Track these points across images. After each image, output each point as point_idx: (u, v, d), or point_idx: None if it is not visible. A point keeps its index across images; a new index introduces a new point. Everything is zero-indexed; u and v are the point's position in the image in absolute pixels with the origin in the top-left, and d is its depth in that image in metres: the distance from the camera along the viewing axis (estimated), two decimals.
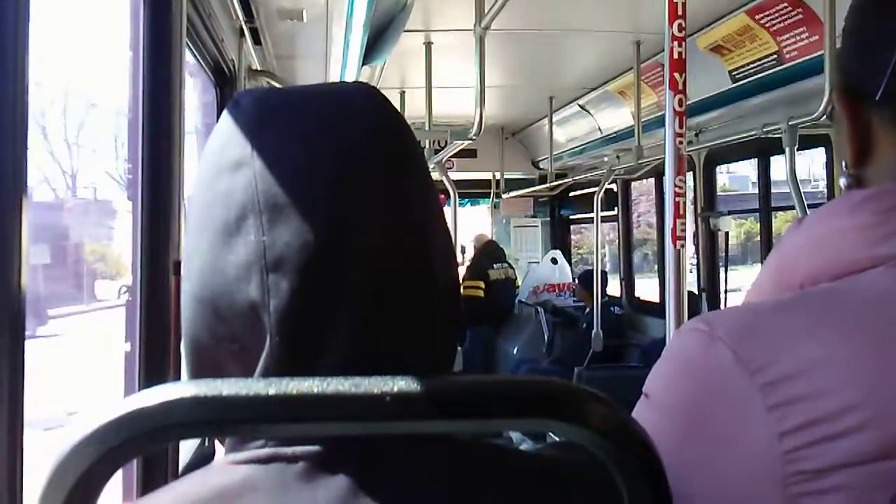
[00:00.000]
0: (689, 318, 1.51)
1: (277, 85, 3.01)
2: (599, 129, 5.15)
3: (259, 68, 2.90)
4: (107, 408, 0.35)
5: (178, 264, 1.39)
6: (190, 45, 1.94)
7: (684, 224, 1.31)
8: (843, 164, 0.62)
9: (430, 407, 0.36)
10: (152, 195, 1.41)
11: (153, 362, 1.33)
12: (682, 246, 1.31)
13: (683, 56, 1.29)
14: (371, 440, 0.48)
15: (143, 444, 0.35)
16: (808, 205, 2.70)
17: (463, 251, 6.68)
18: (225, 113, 0.54)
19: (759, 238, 4.03)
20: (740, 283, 4.36)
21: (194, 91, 2.46)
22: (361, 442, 0.48)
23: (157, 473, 1.29)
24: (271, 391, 0.34)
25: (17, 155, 0.81)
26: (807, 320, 0.53)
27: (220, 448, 0.60)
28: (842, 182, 0.62)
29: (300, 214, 0.49)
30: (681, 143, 1.28)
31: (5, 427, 0.79)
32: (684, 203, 1.30)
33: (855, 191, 0.59)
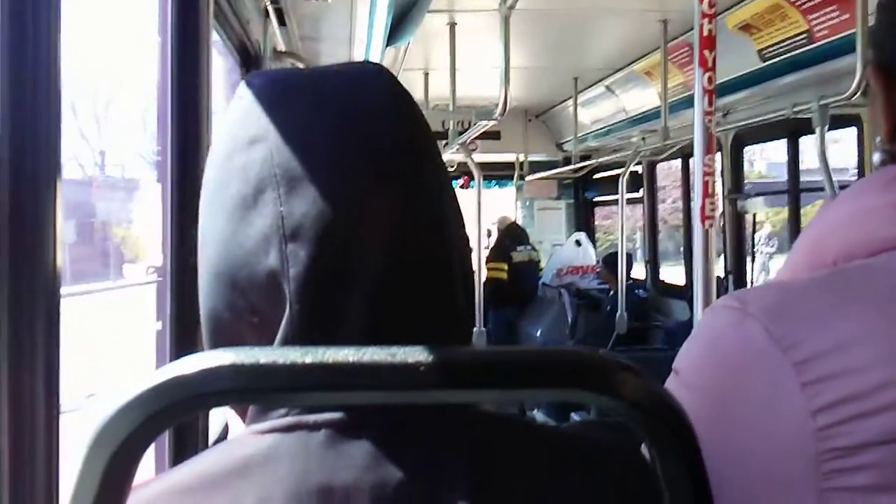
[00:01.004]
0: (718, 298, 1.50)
1: (301, 66, 3.02)
2: (625, 109, 5.10)
3: (284, 49, 2.91)
4: (146, 376, 0.36)
5: None
6: (216, 26, 1.95)
7: (713, 203, 1.30)
8: (877, 139, 0.61)
9: (464, 377, 0.36)
10: (180, 175, 1.43)
11: (184, 339, 1.35)
12: (711, 226, 1.30)
13: (713, 33, 1.27)
14: (392, 408, 0.48)
15: (182, 411, 0.35)
16: (839, 186, 2.67)
17: (489, 234, 6.66)
18: (237, 93, 0.55)
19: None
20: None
21: (222, 72, 2.47)
22: (382, 410, 0.49)
23: (188, 448, 1.31)
24: (308, 359, 0.35)
25: (50, 136, 0.82)
26: (841, 297, 0.52)
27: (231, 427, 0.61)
28: (875, 157, 0.61)
29: (317, 186, 0.50)
30: (710, 121, 1.26)
31: (42, 401, 0.80)
32: (713, 182, 1.29)
33: (889, 166, 0.58)
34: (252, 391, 0.35)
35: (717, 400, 0.54)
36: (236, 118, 0.54)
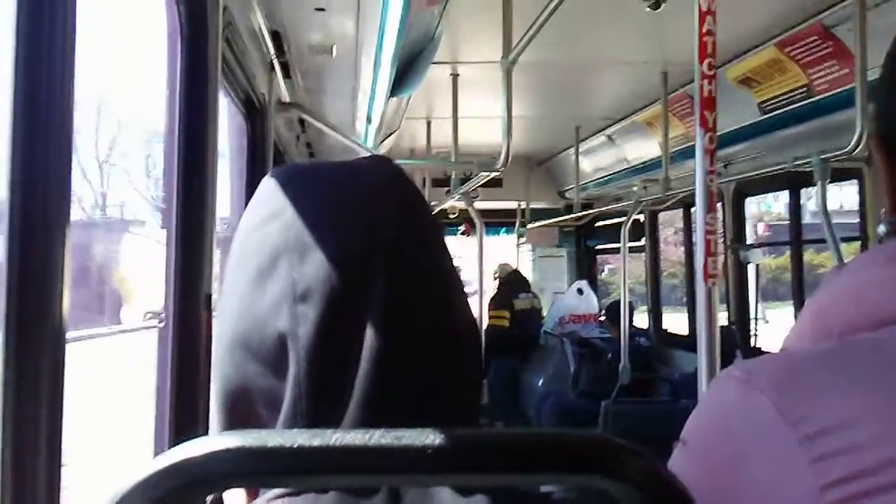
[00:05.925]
0: (722, 351, 1.49)
1: (306, 116, 3.06)
2: (626, 159, 5.15)
3: (288, 101, 2.94)
4: (153, 459, 0.36)
5: (209, 297, 1.41)
6: (223, 80, 1.98)
7: (716, 262, 1.30)
8: (882, 211, 0.62)
9: (472, 461, 0.36)
10: (185, 228, 1.43)
11: (185, 393, 1.34)
12: (714, 284, 1.30)
13: (713, 94, 1.29)
14: None
15: (187, 494, 0.35)
16: (840, 238, 2.67)
17: (495, 278, 6.65)
18: (261, 184, 0.61)
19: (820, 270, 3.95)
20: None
21: (225, 118, 2.50)
22: None
23: None
24: (316, 442, 0.34)
25: (61, 183, 0.83)
26: (847, 372, 0.52)
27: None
28: (880, 229, 0.62)
29: (325, 252, 0.54)
30: (711, 181, 1.27)
31: (45, 437, 0.80)
32: (715, 241, 1.30)
33: (893, 240, 0.59)
34: (259, 475, 0.35)
35: (723, 473, 0.53)
36: (256, 204, 0.59)
